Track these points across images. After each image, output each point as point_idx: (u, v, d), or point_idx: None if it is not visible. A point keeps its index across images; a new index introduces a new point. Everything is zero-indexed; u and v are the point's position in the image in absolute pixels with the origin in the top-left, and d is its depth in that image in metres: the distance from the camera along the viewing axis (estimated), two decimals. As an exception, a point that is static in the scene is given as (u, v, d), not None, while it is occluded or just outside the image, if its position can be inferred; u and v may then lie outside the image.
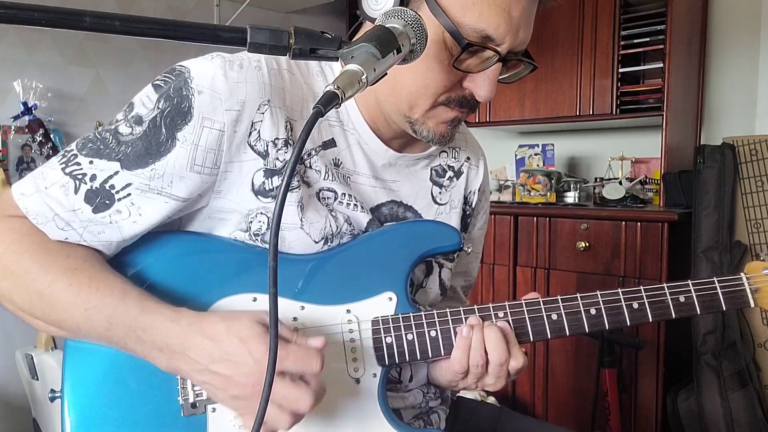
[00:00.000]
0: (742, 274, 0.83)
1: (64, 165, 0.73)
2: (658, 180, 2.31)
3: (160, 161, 0.72)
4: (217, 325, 0.67)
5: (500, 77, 0.77)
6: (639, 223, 2.09)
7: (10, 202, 0.73)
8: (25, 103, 2.14)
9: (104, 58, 2.49)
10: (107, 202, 0.72)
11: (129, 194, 0.72)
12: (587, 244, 2.19)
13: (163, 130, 0.72)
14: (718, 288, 0.81)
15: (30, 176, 0.74)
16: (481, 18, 0.71)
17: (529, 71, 0.81)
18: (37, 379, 2.00)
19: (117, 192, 0.72)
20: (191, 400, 0.74)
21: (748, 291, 0.82)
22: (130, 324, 0.68)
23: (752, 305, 0.82)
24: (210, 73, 0.72)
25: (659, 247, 2.04)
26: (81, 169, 0.72)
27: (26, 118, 2.14)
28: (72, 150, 0.74)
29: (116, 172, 0.72)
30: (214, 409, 0.74)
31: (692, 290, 0.81)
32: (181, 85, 0.72)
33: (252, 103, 0.74)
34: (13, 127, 2.21)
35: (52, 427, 1.97)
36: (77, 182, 0.72)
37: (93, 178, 0.72)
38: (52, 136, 2.12)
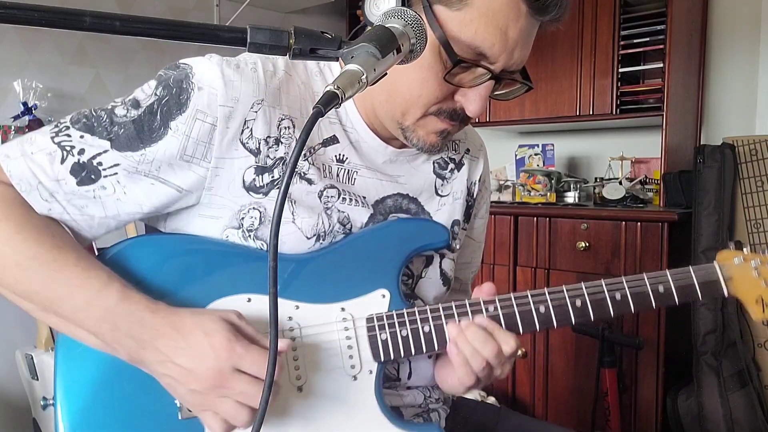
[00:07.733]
0: (714, 262, 0.84)
1: (54, 134, 0.73)
2: (658, 180, 2.31)
3: (151, 147, 0.73)
4: (186, 319, 0.68)
5: (495, 93, 0.79)
6: (639, 223, 2.08)
7: None
8: (25, 103, 2.14)
9: (104, 58, 2.49)
10: (93, 176, 0.72)
11: (116, 173, 0.73)
12: (587, 244, 2.19)
13: (158, 117, 0.73)
14: (693, 277, 0.82)
15: (17, 140, 0.74)
16: (477, 35, 0.72)
17: (524, 91, 0.82)
18: (37, 379, 2.00)
19: (104, 169, 0.73)
20: None
21: (721, 279, 0.83)
22: (109, 308, 0.68)
23: (726, 294, 0.83)
24: (208, 70, 0.75)
25: (659, 247, 2.04)
26: (70, 141, 0.72)
27: (26, 118, 2.14)
28: (65, 122, 0.74)
29: (105, 151, 0.73)
30: None
31: (670, 280, 0.82)
32: (182, 77, 0.74)
33: (246, 102, 0.76)
34: (13, 127, 2.21)
35: (52, 427, 1.97)
36: (64, 153, 0.72)
37: (81, 152, 0.72)
38: (52, 136, 2.12)
